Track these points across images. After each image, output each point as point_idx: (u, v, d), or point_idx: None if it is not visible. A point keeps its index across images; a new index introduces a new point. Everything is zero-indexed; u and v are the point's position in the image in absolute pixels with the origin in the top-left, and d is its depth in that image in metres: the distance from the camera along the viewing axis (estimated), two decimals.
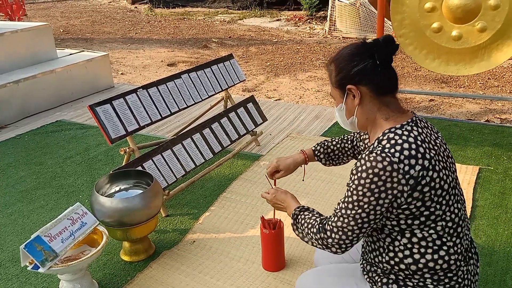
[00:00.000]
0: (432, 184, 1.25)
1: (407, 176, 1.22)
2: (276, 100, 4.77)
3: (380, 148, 1.25)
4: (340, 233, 1.31)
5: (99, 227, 2.06)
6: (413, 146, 1.25)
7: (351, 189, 1.28)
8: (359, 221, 1.28)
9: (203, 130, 2.93)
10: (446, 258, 1.30)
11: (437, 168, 1.26)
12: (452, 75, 3.87)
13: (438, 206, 1.28)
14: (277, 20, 9.84)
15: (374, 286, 1.39)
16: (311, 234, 1.40)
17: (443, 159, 1.31)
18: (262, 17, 10.33)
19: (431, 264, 1.29)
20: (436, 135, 1.37)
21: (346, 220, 1.30)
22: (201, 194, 2.81)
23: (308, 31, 8.59)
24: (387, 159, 1.22)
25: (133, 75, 6.01)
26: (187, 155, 2.77)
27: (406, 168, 1.22)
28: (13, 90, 4.16)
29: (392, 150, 1.24)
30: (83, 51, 5.30)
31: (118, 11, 11.71)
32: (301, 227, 1.46)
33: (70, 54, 5.15)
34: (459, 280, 1.33)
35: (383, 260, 1.35)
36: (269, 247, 2.07)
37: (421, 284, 1.32)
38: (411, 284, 1.33)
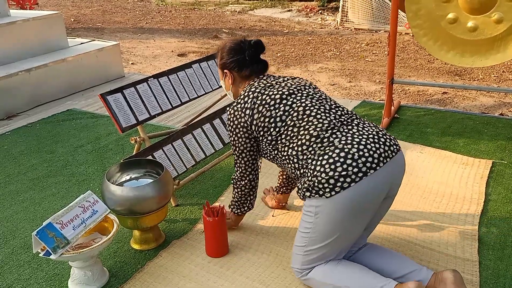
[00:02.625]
0: (264, 102, 1.83)
1: (243, 109, 1.88)
2: None
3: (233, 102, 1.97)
4: (236, 166, 2.04)
5: (110, 215, 2.07)
6: (247, 90, 1.92)
7: (228, 137, 2.02)
8: (238, 152, 1.97)
9: (213, 121, 2.92)
10: (306, 132, 1.74)
11: (266, 92, 1.86)
12: (466, 67, 3.82)
13: (276, 111, 1.81)
14: (288, 10, 9.77)
15: (300, 194, 1.76)
16: (233, 189, 2.12)
17: (277, 84, 1.90)
18: (273, 7, 10.26)
19: (300, 143, 1.74)
20: (281, 80, 1.95)
21: (235, 157, 2.01)
22: (211, 185, 2.80)
23: (320, 22, 8.52)
24: (231, 106, 1.94)
25: (144, 65, 6.01)
26: (197, 145, 2.77)
27: (242, 104, 1.89)
28: (25, 78, 4.18)
29: (236, 101, 1.94)
30: (94, 40, 5.31)
31: (129, 1, 11.70)
32: (234, 191, 2.14)
33: (81, 43, 5.15)
34: (330, 144, 1.69)
35: (290, 168, 1.82)
36: (214, 234, 2.11)
37: (308, 160, 1.71)
38: (305, 167, 1.73)
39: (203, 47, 6.87)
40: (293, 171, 1.80)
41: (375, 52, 6.26)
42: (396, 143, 1.77)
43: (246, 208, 2.18)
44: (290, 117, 1.79)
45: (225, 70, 2.03)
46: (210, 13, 9.86)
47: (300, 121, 1.77)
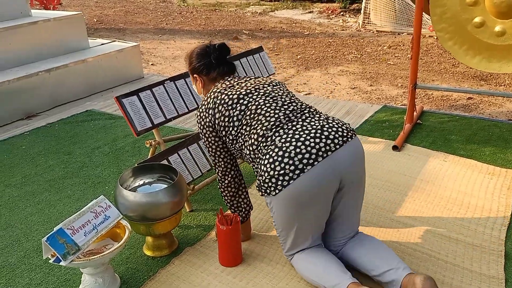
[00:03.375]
0: (223, 102, 1.90)
1: (207, 110, 1.95)
2: (306, 94, 4.67)
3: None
4: (216, 168, 2.08)
5: (122, 221, 2.03)
6: (211, 92, 1.98)
7: (200, 139, 2.23)
8: (213, 153, 2.03)
9: None
10: (254, 131, 1.81)
11: (226, 92, 1.93)
12: (493, 72, 3.68)
13: (233, 110, 1.87)
14: (309, 12, 9.68)
15: (260, 180, 1.77)
16: (221, 194, 2.14)
17: (238, 85, 1.96)
18: (294, 9, 10.18)
19: (250, 142, 1.82)
20: (243, 80, 2.01)
21: (212, 158, 2.07)
22: None
23: (341, 24, 8.40)
24: (198, 109, 2.01)
25: (163, 66, 6.01)
26: None
27: (206, 106, 1.96)
28: (45, 78, 4.20)
29: (202, 102, 2.00)
30: (115, 41, 5.32)
31: (151, 2, 11.77)
32: (223, 195, 2.14)
33: (102, 44, 5.17)
34: (271, 143, 1.75)
35: (253, 169, 1.88)
36: (227, 243, 2.06)
37: (256, 159, 1.81)
38: (257, 165, 1.81)
39: None
40: (253, 169, 1.88)
41: (397, 55, 6.13)
42: (345, 133, 1.78)
43: (243, 210, 2.15)
44: (245, 116, 1.85)
45: (194, 75, 2.10)
46: (231, 14, 9.83)
47: (251, 120, 1.83)
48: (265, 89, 1.94)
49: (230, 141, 1.93)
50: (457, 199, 2.53)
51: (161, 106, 2.61)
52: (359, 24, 7.92)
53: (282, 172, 1.69)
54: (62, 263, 1.76)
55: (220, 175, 2.07)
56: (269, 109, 1.83)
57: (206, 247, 2.24)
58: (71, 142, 3.55)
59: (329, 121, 1.82)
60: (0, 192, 2.85)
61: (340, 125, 1.81)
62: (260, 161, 1.77)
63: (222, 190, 2.11)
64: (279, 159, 1.70)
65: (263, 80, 2.02)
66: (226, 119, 1.89)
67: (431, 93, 4.49)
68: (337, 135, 1.76)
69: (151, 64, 6.10)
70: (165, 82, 2.68)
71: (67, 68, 4.39)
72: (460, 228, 2.28)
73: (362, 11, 7.87)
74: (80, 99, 4.54)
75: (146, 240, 2.23)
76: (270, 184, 1.73)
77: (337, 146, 1.74)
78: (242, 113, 1.86)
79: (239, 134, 1.87)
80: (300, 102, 1.93)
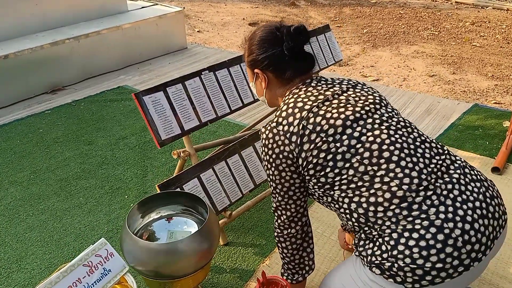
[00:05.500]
0: (318, 128, 1.25)
1: (288, 135, 1.28)
2: (373, 80, 3.92)
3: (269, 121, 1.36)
4: (279, 210, 1.42)
5: (128, 276, 1.48)
6: (291, 104, 1.32)
7: (264, 169, 1.39)
8: (282, 193, 1.38)
9: None
10: (385, 188, 1.18)
11: (321, 112, 1.27)
12: None
13: (337, 144, 1.24)
14: None
15: (364, 262, 1.24)
16: (279, 247, 1.51)
17: (335, 98, 1.30)
18: None
19: (372, 199, 1.19)
20: (338, 88, 1.35)
21: (275, 199, 1.41)
22: (273, 216, 2.15)
23: None
24: (268, 128, 1.33)
25: (210, 34, 5.37)
26: (258, 162, 2.11)
27: (286, 127, 1.29)
28: (73, 47, 3.68)
29: (274, 119, 1.33)
30: (156, 4, 4.71)
31: None
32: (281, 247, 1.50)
33: (142, 8, 4.58)
34: (422, 214, 1.15)
35: (347, 221, 1.28)
36: None
37: (383, 227, 1.18)
38: (375, 232, 1.20)
39: (278, 15, 6.09)
40: (353, 227, 1.28)
41: (483, 34, 5.18)
42: (504, 209, 1.26)
43: (304, 270, 1.55)
44: (358, 157, 1.22)
45: (255, 70, 1.43)
46: None
47: (375, 167, 1.21)
48: (379, 112, 1.30)
49: (319, 184, 1.30)
50: None
51: (195, 105, 2.00)
52: None
53: (439, 265, 1.12)
54: None
55: (286, 222, 1.43)
56: (402, 153, 1.22)
57: None
58: (94, 128, 3.03)
59: (486, 183, 1.27)
60: (3, 191, 2.39)
61: (496, 194, 1.26)
62: (392, 234, 1.17)
63: (282, 240, 1.48)
64: (438, 245, 1.12)
65: (366, 91, 1.37)
66: (322, 154, 1.25)
67: None
68: (501, 212, 1.23)
69: (197, 31, 5.48)
70: (202, 73, 2.06)
71: (100, 35, 3.84)
72: None
73: None
74: (113, 71, 4.01)
75: None
76: (410, 274, 1.14)
77: (502, 230, 1.22)
78: (353, 150, 1.23)
79: (344, 180, 1.24)
80: (425, 135, 1.33)
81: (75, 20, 4.01)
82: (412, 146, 1.25)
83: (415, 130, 1.32)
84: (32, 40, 3.60)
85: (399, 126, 1.28)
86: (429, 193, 1.17)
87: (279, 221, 1.44)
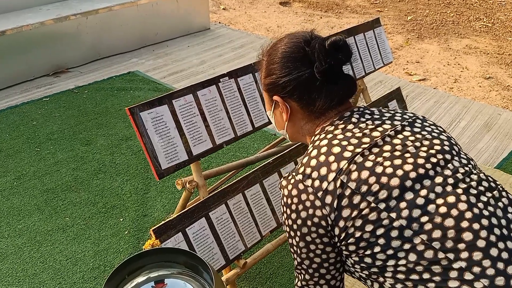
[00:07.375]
0: (364, 188, 0.88)
1: (320, 194, 0.90)
2: (419, 80, 3.40)
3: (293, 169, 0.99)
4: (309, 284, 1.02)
5: None
6: (324, 149, 0.94)
7: (287, 236, 1.00)
8: (311, 271, 0.99)
9: None
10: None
11: (368, 163, 0.89)
12: None
13: (392, 215, 0.85)
14: None
15: None
16: None
17: (387, 144, 0.92)
18: None
19: None
20: (389, 126, 0.95)
21: (301, 276, 1.02)
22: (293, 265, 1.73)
23: None
24: (292, 180, 0.95)
25: (236, 13, 4.87)
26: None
27: (317, 183, 0.91)
28: (80, 24, 3.25)
29: (300, 168, 0.95)
30: None
31: None
32: None
33: None
34: None
35: None
36: None
37: None
38: None
39: None
40: None
41: None
42: None
43: None
44: (424, 236, 0.84)
45: (274, 97, 1.05)
46: None
47: (450, 254, 0.82)
48: (449, 165, 0.90)
49: (359, 264, 0.92)
50: None
51: (209, 122, 1.56)
52: None
53: None
54: None
55: None
56: (490, 234, 0.82)
57: None
58: (95, 123, 2.63)
59: None
60: None
61: None
62: None
63: None
64: None
65: (425, 130, 0.97)
66: (369, 228, 0.87)
67: None
68: None
69: (223, 9, 4.99)
70: (221, 80, 1.62)
71: (111, 12, 3.40)
72: None
73: None
74: (125, 53, 3.58)
75: None
76: None
77: None
78: (416, 225, 0.84)
79: (400, 268, 0.85)
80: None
81: None
82: (504, 222, 0.85)
83: (504, 193, 0.90)
84: (35, 13, 3.19)
85: (481, 188, 0.88)
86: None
87: None
